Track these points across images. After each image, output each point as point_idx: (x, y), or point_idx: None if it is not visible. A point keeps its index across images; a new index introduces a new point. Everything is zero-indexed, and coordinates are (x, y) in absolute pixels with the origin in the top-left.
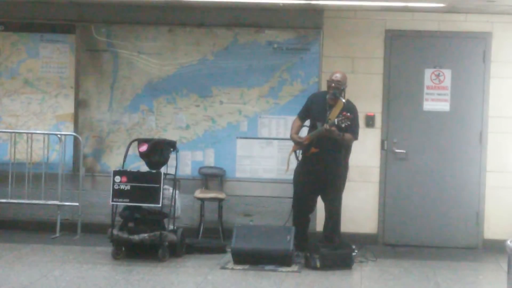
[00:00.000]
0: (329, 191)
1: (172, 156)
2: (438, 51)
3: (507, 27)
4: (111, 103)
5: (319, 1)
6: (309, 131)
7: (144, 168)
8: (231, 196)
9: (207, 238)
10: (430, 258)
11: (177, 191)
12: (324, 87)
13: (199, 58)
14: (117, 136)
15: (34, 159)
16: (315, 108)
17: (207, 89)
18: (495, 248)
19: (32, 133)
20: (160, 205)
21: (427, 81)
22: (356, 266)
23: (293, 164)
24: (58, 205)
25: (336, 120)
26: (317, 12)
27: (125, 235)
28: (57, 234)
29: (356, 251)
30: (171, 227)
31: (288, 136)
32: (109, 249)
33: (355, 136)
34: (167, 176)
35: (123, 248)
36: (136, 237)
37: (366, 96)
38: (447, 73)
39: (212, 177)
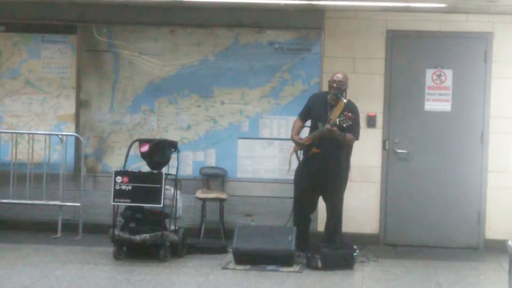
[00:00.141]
0: (331, 191)
1: (174, 156)
2: (439, 51)
3: (508, 27)
4: (112, 103)
5: (320, 1)
6: (310, 132)
7: (145, 168)
8: (233, 196)
9: (208, 238)
10: (432, 258)
11: (178, 192)
12: (325, 87)
13: (200, 59)
14: (119, 136)
15: (36, 160)
16: (316, 109)
17: (208, 89)
18: (496, 248)
19: (33, 134)
20: (161, 205)
21: (429, 81)
22: (358, 266)
23: (295, 164)
24: (60, 206)
25: (337, 120)
26: (318, 12)
27: (126, 236)
28: (59, 235)
29: (357, 251)
30: (172, 227)
31: (289, 136)
32: (110, 249)
33: (356, 136)
34: (169, 177)
35: (125, 248)
36: (137, 237)
37: (368, 96)
38: (448, 73)
39: (213, 178)
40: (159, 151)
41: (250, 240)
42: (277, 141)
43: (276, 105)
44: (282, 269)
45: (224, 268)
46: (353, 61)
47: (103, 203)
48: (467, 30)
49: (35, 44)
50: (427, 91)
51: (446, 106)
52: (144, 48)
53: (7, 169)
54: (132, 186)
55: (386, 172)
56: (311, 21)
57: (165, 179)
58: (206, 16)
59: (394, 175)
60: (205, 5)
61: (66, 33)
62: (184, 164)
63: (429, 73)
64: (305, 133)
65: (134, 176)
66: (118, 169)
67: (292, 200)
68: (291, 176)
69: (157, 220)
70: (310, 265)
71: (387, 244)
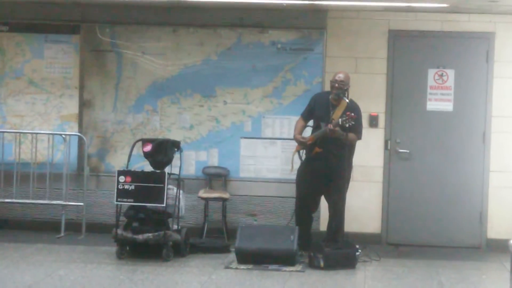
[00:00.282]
0: (333, 191)
1: (176, 156)
2: (441, 51)
3: (510, 27)
4: (115, 103)
5: (322, 1)
6: (313, 131)
7: (148, 168)
8: (235, 196)
9: (211, 238)
10: (434, 257)
11: (181, 191)
12: (327, 87)
13: (203, 59)
14: (122, 136)
15: (39, 159)
16: (318, 108)
17: (211, 89)
18: (498, 247)
19: (36, 133)
20: (164, 205)
21: (431, 81)
22: (360, 266)
23: (297, 164)
24: (63, 205)
25: (340, 120)
26: (321, 12)
27: (129, 235)
28: (62, 234)
29: (359, 250)
30: (175, 226)
31: (291, 136)
32: (113, 248)
33: (358, 136)
34: (171, 176)
35: (128, 248)
36: (140, 237)
37: (370, 96)
38: (450, 73)
39: (216, 177)
40: (162, 151)
41: (253, 240)
42: (279, 141)
43: (279, 105)
44: (284, 268)
45: (227, 267)
46: (355, 61)
47: (106, 202)
48: (469, 30)
49: (38, 44)
50: (429, 91)
51: (448, 106)
52: (147, 48)
53: (10, 168)
54: (135, 186)
55: (388, 172)
56: (314, 21)
57: (168, 178)
58: (208, 16)
59: (396, 175)
60: (208, 5)
61: (69, 33)
62: (186, 163)
63: (431, 73)
64: (307, 132)
65: (137, 176)
66: (121, 169)
67: (295, 199)
68: (294, 176)
69: (160, 219)
70: (313, 265)
71: (389, 244)
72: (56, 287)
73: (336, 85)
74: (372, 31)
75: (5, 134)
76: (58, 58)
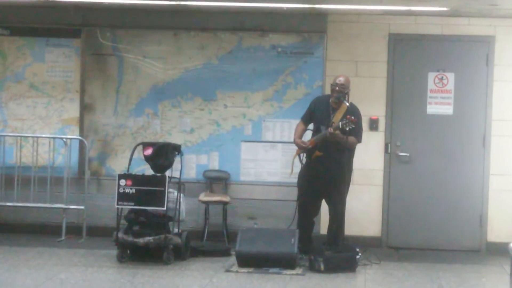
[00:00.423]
0: (333, 194)
1: (177, 159)
2: (441, 54)
3: (510, 31)
4: (116, 107)
5: (322, 5)
6: (313, 135)
7: (149, 171)
8: (236, 199)
9: (211, 241)
10: (434, 261)
11: (181, 195)
12: (328, 91)
13: (203, 62)
14: (122, 139)
15: (40, 163)
16: (318, 112)
17: (211, 92)
18: (498, 251)
19: (37, 137)
20: (165, 208)
21: (431, 85)
22: (360, 269)
23: (297, 167)
24: (64, 209)
25: (340, 123)
26: (321, 16)
27: (130, 238)
28: (63, 237)
29: (360, 254)
30: (176, 230)
31: (292, 139)
32: (114, 252)
33: (358, 139)
34: (172, 180)
35: (128, 251)
36: (141, 240)
37: (370, 99)
38: (450, 77)
39: (216, 181)
40: (163, 154)
41: (253, 243)
42: (280, 144)
43: (279, 108)
44: (285, 272)
45: (227, 271)
46: (355, 65)
47: (107, 206)
48: (469, 33)
49: (39, 48)
50: (429, 94)
51: (448, 109)
52: (148, 51)
53: (11, 172)
54: (136, 189)
55: (388, 175)
56: (314, 25)
57: (169, 182)
58: (209, 20)
59: (397, 178)
60: (209, 9)
61: (71, 37)
62: (187, 167)
63: (431, 76)
64: (307, 136)
65: (137, 179)
66: (122, 172)
67: (295, 203)
68: (294, 179)
69: (160, 223)
70: (313, 268)
71: (390, 247)
72: None
73: (337, 88)
74: (372, 35)
75: (6, 137)
76: (59, 62)
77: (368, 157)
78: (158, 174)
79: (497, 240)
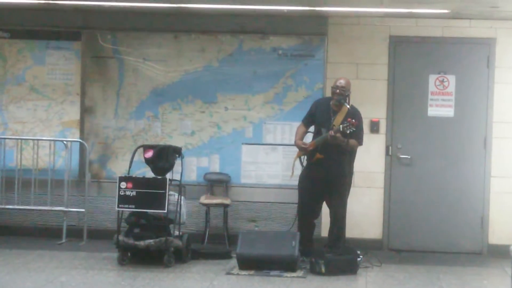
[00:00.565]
0: (334, 197)
1: (178, 162)
2: (442, 57)
3: (511, 33)
4: (116, 109)
5: (323, 7)
6: (314, 137)
7: (149, 174)
8: (236, 202)
9: (212, 244)
10: (435, 263)
11: (182, 197)
12: (328, 93)
13: (204, 65)
14: (123, 142)
15: (40, 166)
16: (319, 114)
17: (212, 95)
18: (499, 253)
19: (38, 140)
20: (165, 211)
21: (432, 87)
22: (361, 272)
23: (298, 170)
24: (64, 211)
25: (341, 126)
26: (322, 18)
27: (130, 241)
28: (63, 240)
29: (361, 256)
30: (176, 233)
31: (293, 142)
32: (115, 255)
33: (359, 142)
34: (173, 182)
35: (129, 254)
36: (141, 243)
37: (371, 102)
38: (451, 79)
39: (217, 183)
40: (163, 157)
41: (254, 246)
42: (280, 147)
43: (280, 111)
44: (285, 274)
45: (228, 273)
46: (356, 67)
47: (108, 209)
48: (470, 36)
49: (39, 50)
50: (430, 96)
51: (449, 112)
52: (148, 54)
53: (12, 175)
54: (137, 192)
55: (389, 178)
56: (314, 27)
57: (169, 184)
58: (210, 22)
59: (397, 181)
60: (209, 11)
61: (71, 40)
62: (188, 169)
63: (432, 78)
64: (308, 138)
65: (138, 182)
66: (123, 175)
67: (296, 205)
68: (295, 182)
69: (161, 225)
70: (314, 271)
71: (391, 250)
72: None
73: (337, 91)
74: (373, 37)
75: (7, 140)
76: (60, 64)
77: (369, 160)
78: (159, 177)
79: (498, 242)
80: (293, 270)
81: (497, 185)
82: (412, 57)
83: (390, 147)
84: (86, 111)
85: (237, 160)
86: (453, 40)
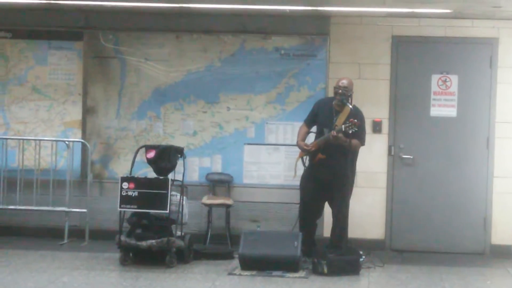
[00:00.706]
0: (336, 197)
1: (180, 162)
2: (444, 56)
3: None
4: (118, 109)
5: (325, 7)
6: (316, 137)
7: (151, 174)
8: (239, 202)
9: (214, 244)
10: (438, 263)
11: (184, 197)
12: (331, 93)
13: (206, 65)
14: (125, 142)
15: (42, 166)
16: (321, 115)
17: (214, 95)
18: (502, 253)
19: (40, 140)
20: (167, 211)
21: (434, 87)
22: (364, 272)
23: (300, 170)
24: (66, 212)
25: (343, 126)
26: (324, 18)
27: (132, 241)
28: (65, 241)
29: (363, 256)
30: (178, 233)
31: (295, 142)
32: (116, 255)
33: (362, 142)
34: (175, 182)
35: (131, 254)
36: (143, 243)
37: (373, 102)
38: (454, 79)
39: (219, 183)
40: (166, 157)
41: (256, 246)
42: (283, 147)
43: (282, 111)
44: (288, 275)
45: (230, 274)
46: (358, 67)
47: (110, 209)
48: (473, 35)
49: (41, 50)
50: (432, 96)
51: (451, 112)
52: (150, 54)
53: (14, 175)
54: (139, 192)
55: (391, 178)
56: (317, 27)
57: (171, 185)
58: (212, 22)
59: (400, 181)
60: (211, 11)
61: (73, 40)
62: (190, 170)
63: (435, 78)
64: (310, 139)
65: (140, 182)
66: (125, 175)
67: (298, 205)
68: (297, 182)
69: (163, 226)
70: (316, 271)
71: (393, 250)
72: None
73: (340, 91)
74: (376, 37)
75: (9, 140)
76: (62, 64)
77: (372, 160)
78: (161, 177)
79: (501, 243)
80: (295, 270)
81: (500, 186)
82: (415, 57)
83: (392, 147)
84: (88, 111)
85: (239, 160)
86: (455, 40)
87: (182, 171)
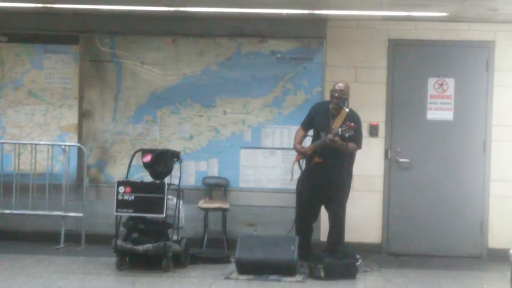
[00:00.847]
0: (333, 201)
1: (176, 166)
2: (441, 60)
3: (510, 36)
4: (114, 113)
5: (322, 11)
6: (313, 141)
7: (148, 178)
8: (235, 206)
9: (211, 248)
10: (434, 267)
11: (181, 201)
12: (327, 97)
13: (202, 68)
14: (121, 146)
15: (38, 170)
16: (318, 118)
17: (210, 99)
18: (499, 257)
19: (36, 144)
20: (164, 215)
21: (431, 90)
22: (360, 276)
23: (297, 173)
24: (62, 216)
25: (339, 130)
26: (320, 21)
27: (129, 246)
28: (61, 245)
29: (360, 260)
30: (175, 237)
31: (291, 146)
32: (113, 259)
33: (358, 145)
34: (171, 186)
35: (127, 259)
36: (140, 248)
37: (370, 105)
38: (450, 82)
39: (216, 187)
40: (162, 161)
41: (253, 250)
42: (279, 151)
43: (279, 115)
44: (284, 279)
45: (227, 278)
46: (355, 70)
47: (106, 213)
48: (469, 39)
49: (37, 54)
50: (429, 100)
51: (448, 115)
52: (146, 58)
53: (10, 179)
54: (135, 196)
55: (388, 181)
56: (313, 31)
57: (168, 189)
58: (208, 26)
59: (397, 184)
60: (207, 15)
61: (69, 44)
62: (186, 174)
63: (431, 82)
64: (307, 142)
65: (136, 186)
66: (121, 179)
67: (295, 209)
68: (294, 186)
69: (159, 230)
70: (313, 275)
71: (390, 254)
72: None
73: (336, 94)
74: (372, 41)
75: (5, 145)
76: (58, 68)
77: (368, 163)
78: (157, 181)
79: (498, 246)
80: (292, 274)
81: (497, 189)
82: (411, 60)
83: (389, 151)
84: (84, 115)
85: (235, 164)
86: (452, 43)
87: (179, 175)
